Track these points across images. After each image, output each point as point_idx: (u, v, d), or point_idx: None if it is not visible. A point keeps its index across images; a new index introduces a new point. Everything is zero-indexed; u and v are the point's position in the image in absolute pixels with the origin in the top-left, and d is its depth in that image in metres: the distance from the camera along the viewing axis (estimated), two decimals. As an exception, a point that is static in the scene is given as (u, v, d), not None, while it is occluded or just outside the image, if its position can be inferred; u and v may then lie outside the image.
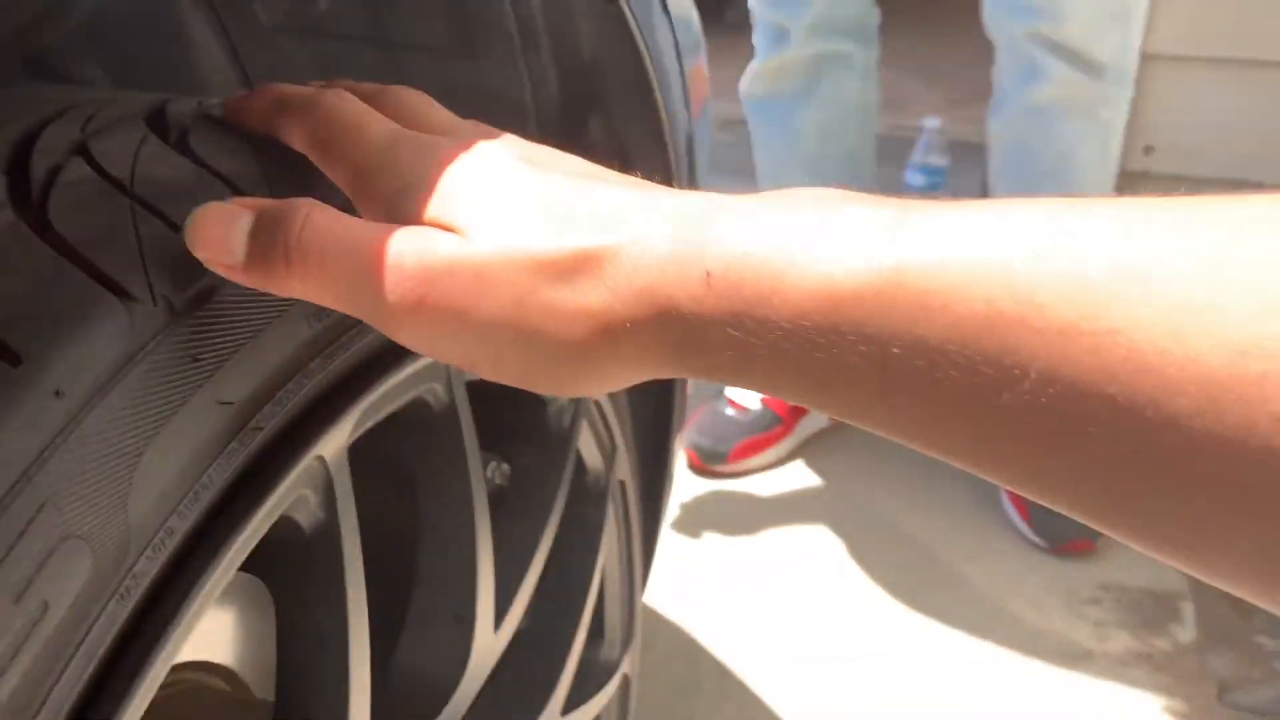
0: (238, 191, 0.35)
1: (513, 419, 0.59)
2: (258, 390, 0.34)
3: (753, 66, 1.42)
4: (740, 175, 1.51)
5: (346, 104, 0.36)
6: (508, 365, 0.32)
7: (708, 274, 0.29)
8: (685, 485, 1.45)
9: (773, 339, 0.28)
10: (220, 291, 0.33)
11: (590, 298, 0.30)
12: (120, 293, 0.31)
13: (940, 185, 1.86)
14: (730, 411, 1.47)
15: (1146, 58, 1.81)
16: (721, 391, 1.50)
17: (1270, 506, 0.22)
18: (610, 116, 0.69)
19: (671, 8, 0.67)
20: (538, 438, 0.60)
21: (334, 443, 0.38)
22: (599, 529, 0.66)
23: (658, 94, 0.65)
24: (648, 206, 0.31)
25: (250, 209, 0.32)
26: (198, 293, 0.32)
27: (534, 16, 0.65)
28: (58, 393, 0.29)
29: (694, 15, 0.80)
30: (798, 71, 1.39)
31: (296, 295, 0.32)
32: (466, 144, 0.34)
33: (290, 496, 0.37)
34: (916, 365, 0.26)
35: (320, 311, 0.37)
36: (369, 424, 0.41)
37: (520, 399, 0.59)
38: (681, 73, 0.72)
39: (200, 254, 0.32)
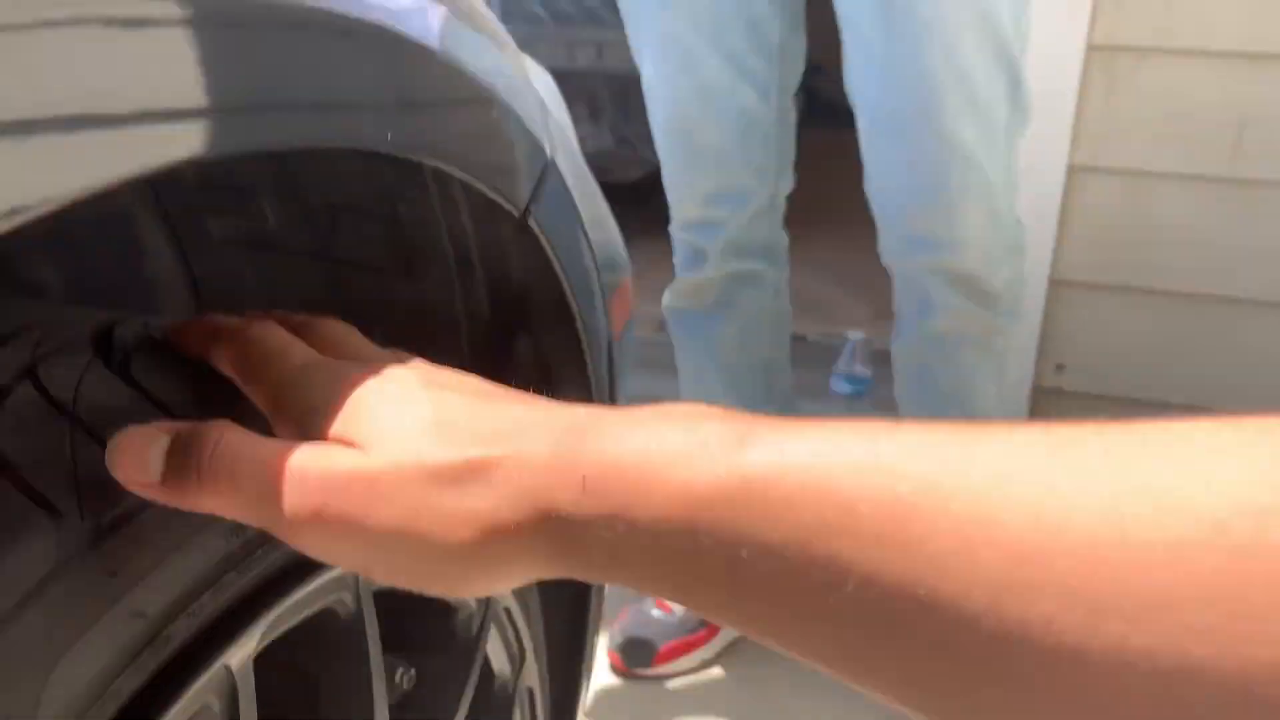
0: (170, 415, 0.39)
1: (420, 625, 0.61)
2: (173, 603, 0.37)
3: (674, 283, 1.51)
4: (669, 371, 1.58)
5: (270, 332, 0.40)
6: (399, 569, 0.34)
7: (584, 479, 0.32)
8: (607, 687, 1.44)
9: (641, 541, 0.31)
10: (146, 510, 0.36)
11: (478, 503, 0.33)
12: (50, 509, 0.34)
13: (863, 394, 1.94)
14: (656, 612, 1.48)
15: (1055, 283, 1.94)
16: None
17: (1047, 697, 0.25)
18: (535, 336, 0.74)
19: (592, 234, 0.73)
20: (444, 644, 0.61)
21: (241, 652, 0.40)
22: (504, 736, 0.67)
23: (577, 316, 0.71)
24: (535, 420, 0.34)
25: (167, 431, 0.35)
26: (124, 510, 0.35)
27: (467, 240, 0.70)
28: (-18, 606, 0.31)
29: (618, 239, 0.86)
30: (714, 288, 1.48)
31: (207, 510, 0.35)
32: (373, 368, 0.37)
33: (195, 705, 0.39)
34: (760, 569, 0.29)
35: (239, 527, 0.40)
36: (277, 633, 0.43)
37: (428, 606, 0.61)
38: (603, 294, 0.77)
39: (118, 474, 0.34)
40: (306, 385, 0.37)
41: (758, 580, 0.29)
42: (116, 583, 0.34)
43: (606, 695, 1.42)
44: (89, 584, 0.34)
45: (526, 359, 0.77)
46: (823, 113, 1.46)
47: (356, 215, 0.71)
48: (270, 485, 0.33)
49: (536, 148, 0.59)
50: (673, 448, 0.31)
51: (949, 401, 1.36)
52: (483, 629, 0.62)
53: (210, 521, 0.39)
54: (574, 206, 0.65)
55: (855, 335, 1.97)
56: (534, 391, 0.39)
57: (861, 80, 1.26)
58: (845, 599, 0.28)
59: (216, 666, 0.39)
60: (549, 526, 0.32)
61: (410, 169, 0.64)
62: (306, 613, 0.45)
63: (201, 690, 0.38)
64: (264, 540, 0.41)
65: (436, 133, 0.51)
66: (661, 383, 1.48)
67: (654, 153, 1.46)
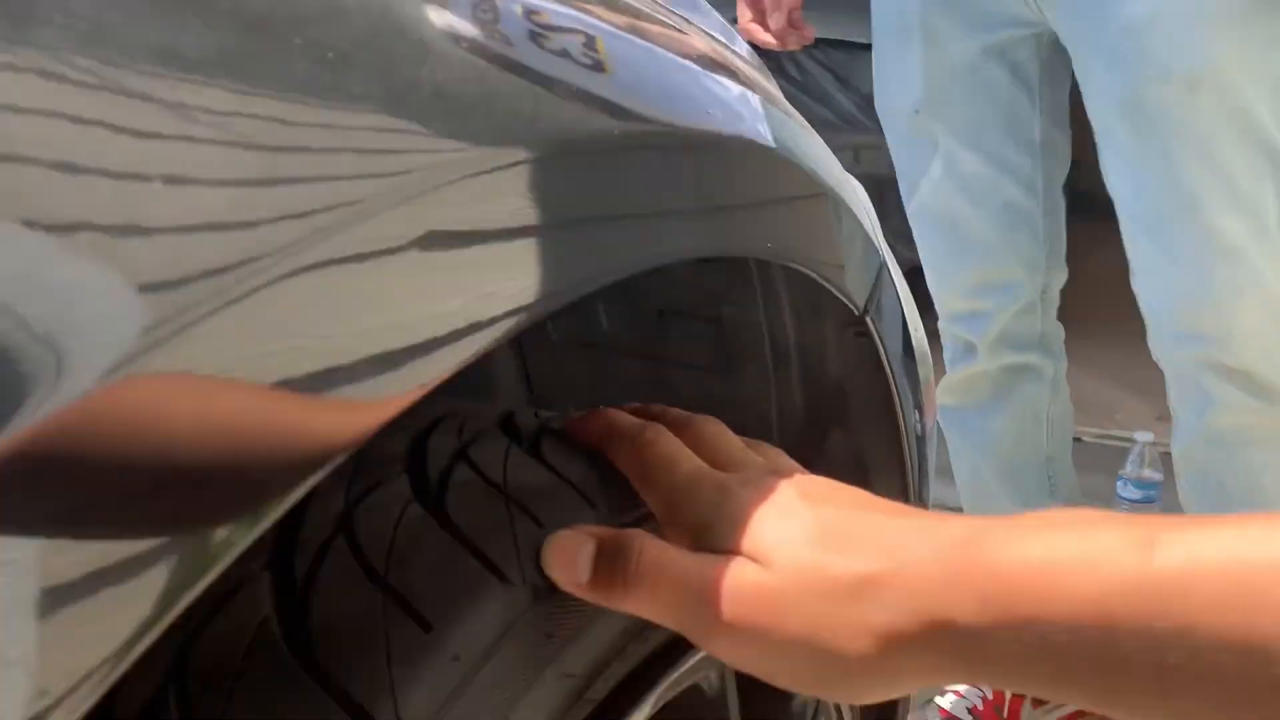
0: (584, 496, 0.43)
1: (761, 709, 0.62)
2: (593, 666, 0.40)
3: (944, 379, 1.48)
4: (942, 475, 1.54)
5: (661, 440, 0.43)
6: (803, 676, 0.37)
7: (981, 595, 0.33)
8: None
9: (1052, 650, 0.32)
10: (571, 579, 0.40)
11: (874, 616, 0.35)
12: (502, 577, 0.38)
13: (1155, 500, 1.82)
14: (938, 723, 1.43)
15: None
16: (931, 700, 1.46)
17: None
18: (851, 431, 0.76)
19: (913, 341, 0.74)
20: (782, 729, 0.63)
21: (639, 718, 0.43)
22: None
23: (900, 414, 0.72)
24: (918, 532, 0.36)
25: (593, 538, 0.39)
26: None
27: (788, 341, 0.73)
28: (456, 657, 0.35)
29: (925, 345, 0.87)
30: (987, 382, 1.44)
31: (627, 611, 0.38)
32: (755, 484, 0.40)
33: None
34: (1189, 669, 0.29)
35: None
36: (662, 703, 0.46)
37: (768, 691, 0.62)
38: (917, 393, 0.78)
39: (553, 573, 0.39)
40: (697, 500, 0.40)
41: (1186, 679, 0.30)
42: (553, 644, 0.38)
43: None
44: (532, 645, 0.37)
45: (839, 453, 0.79)
46: (1081, 204, 1.43)
47: (684, 316, 0.76)
48: (686, 597, 0.37)
49: (872, 246, 0.61)
50: (1075, 554, 0.32)
51: (1238, 505, 1.26)
52: (816, 716, 0.62)
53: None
54: (901, 304, 0.67)
55: (1144, 437, 1.87)
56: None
57: (1117, 180, 1.24)
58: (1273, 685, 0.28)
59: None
60: (947, 638, 0.34)
61: (740, 271, 0.68)
62: (682, 686, 0.48)
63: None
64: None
65: (790, 234, 0.54)
66: (936, 487, 1.45)
67: (911, 250, 1.46)
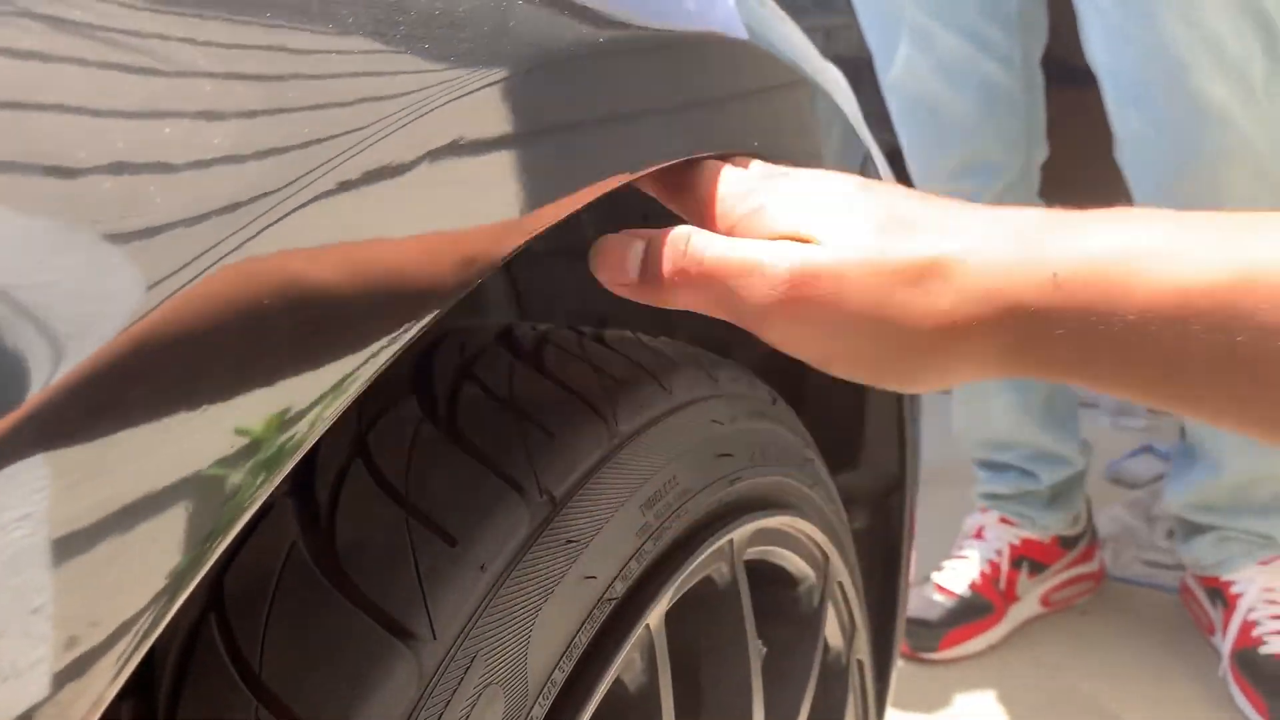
0: (590, 405, 0.43)
1: (768, 599, 0.64)
2: (612, 567, 0.41)
3: None
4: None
5: (703, 162, 0.41)
6: (863, 359, 0.36)
7: (1054, 275, 0.33)
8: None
9: (1119, 336, 0.32)
10: (585, 486, 0.41)
11: (940, 300, 0.34)
12: (519, 489, 0.39)
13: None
14: (938, 597, 1.48)
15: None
16: (928, 578, 1.50)
17: None
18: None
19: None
20: (790, 615, 0.65)
21: (657, 612, 0.45)
22: (842, 706, 0.70)
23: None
24: (986, 217, 0.35)
25: (642, 237, 0.38)
26: (570, 487, 0.40)
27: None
28: (482, 567, 0.36)
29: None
30: None
31: (680, 305, 0.38)
32: (807, 174, 0.39)
33: (628, 660, 0.43)
34: (1259, 349, 0.30)
35: (650, 501, 0.44)
36: (677, 597, 0.48)
37: (774, 580, 0.64)
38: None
39: (602, 275, 0.38)
40: (744, 190, 0.39)
41: (1253, 359, 0.30)
42: (571, 549, 0.39)
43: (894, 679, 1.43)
44: (552, 550, 0.39)
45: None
46: (1059, 73, 1.42)
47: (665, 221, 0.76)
48: (741, 280, 0.36)
49: (855, 136, 0.61)
50: (1155, 244, 0.32)
51: None
52: (823, 601, 0.65)
53: (631, 494, 0.43)
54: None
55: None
56: None
57: (1100, 50, 1.22)
58: None
59: (641, 626, 0.43)
60: (1012, 322, 0.33)
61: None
62: (697, 578, 0.49)
63: (633, 647, 0.43)
64: (669, 512, 0.45)
65: (773, 129, 0.54)
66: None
67: (890, 132, 1.45)
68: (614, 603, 0.41)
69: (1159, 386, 0.33)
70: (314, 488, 0.38)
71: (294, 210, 0.25)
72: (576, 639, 0.39)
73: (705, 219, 0.40)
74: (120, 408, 0.21)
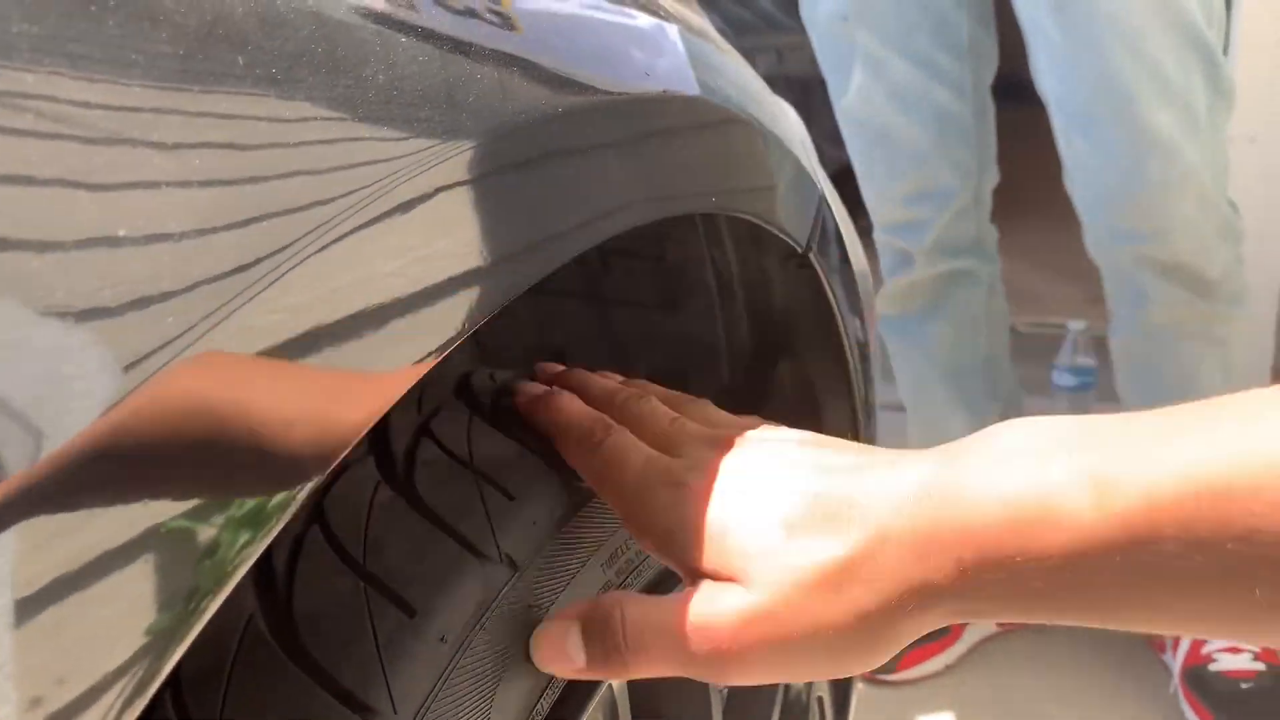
0: (548, 463, 0.43)
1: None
2: (573, 630, 0.41)
3: (883, 289, 1.51)
4: (885, 377, 1.58)
5: (607, 440, 0.42)
6: (821, 667, 0.38)
7: (957, 559, 0.34)
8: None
9: (1036, 594, 0.33)
10: (545, 548, 0.41)
11: (862, 602, 0.36)
12: (478, 554, 0.39)
13: (1091, 385, 1.88)
14: (894, 617, 1.48)
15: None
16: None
17: None
18: (799, 357, 0.77)
19: (853, 262, 0.76)
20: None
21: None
22: (803, 742, 0.70)
23: (845, 337, 0.73)
24: (882, 493, 0.36)
25: (574, 621, 0.39)
26: (530, 550, 0.40)
27: (731, 274, 0.74)
28: (443, 638, 0.36)
29: (864, 260, 0.89)
30: (925, 290, 1.47)
31: (636, 676, 0.39)
32: (704, 473, 0.40)
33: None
34: (1167, 592, 0.31)
35: (610, 559, 0.44)
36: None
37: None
38: (860, 312, 0.80)
39: (549, 668, 0.39)
40: (652, 503, 0.40)
41: (1169, 599, 0.32)
42: (535, 613, 0.39)
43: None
44: (515, 616, 0.38)
45: (788, 379, 0.80)
46: (1010, 92, 1.45)
47: (627, 257, 0.76)
48: (684, 647, 0.37)
49: (811, 182, 0.61)
50: (1035, 508, 0.33)
51: (1174, 395, 1.31)
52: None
53: (592, 554, 0.43)
54: (841, 234, 0.68)
55: (1076, 325, 1.91)
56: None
57: (1048, 79, 1.25)
58: (1263, 576, 0.30)
59: (603, 686, 0.43)
60: (937, 599, 0.35)
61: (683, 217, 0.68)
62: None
63: (595, 708, 0.43)
64: (630, 570, 0.45)
65: (725, 179, 0.54)
66: (881, 389, 1.48)
67: (840, 150, 1.47)
68: (575, 665, 0.41)
69: (1102, 623, 0.34)
70: (272, 558, 0.38)
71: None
72: (539, 706, 0.39)
73: (624, 519, 0.41)
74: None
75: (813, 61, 1.49)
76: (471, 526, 0.39)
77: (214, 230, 0.24)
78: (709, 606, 0.37)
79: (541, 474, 0.43)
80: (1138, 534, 0.31)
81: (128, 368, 0.22)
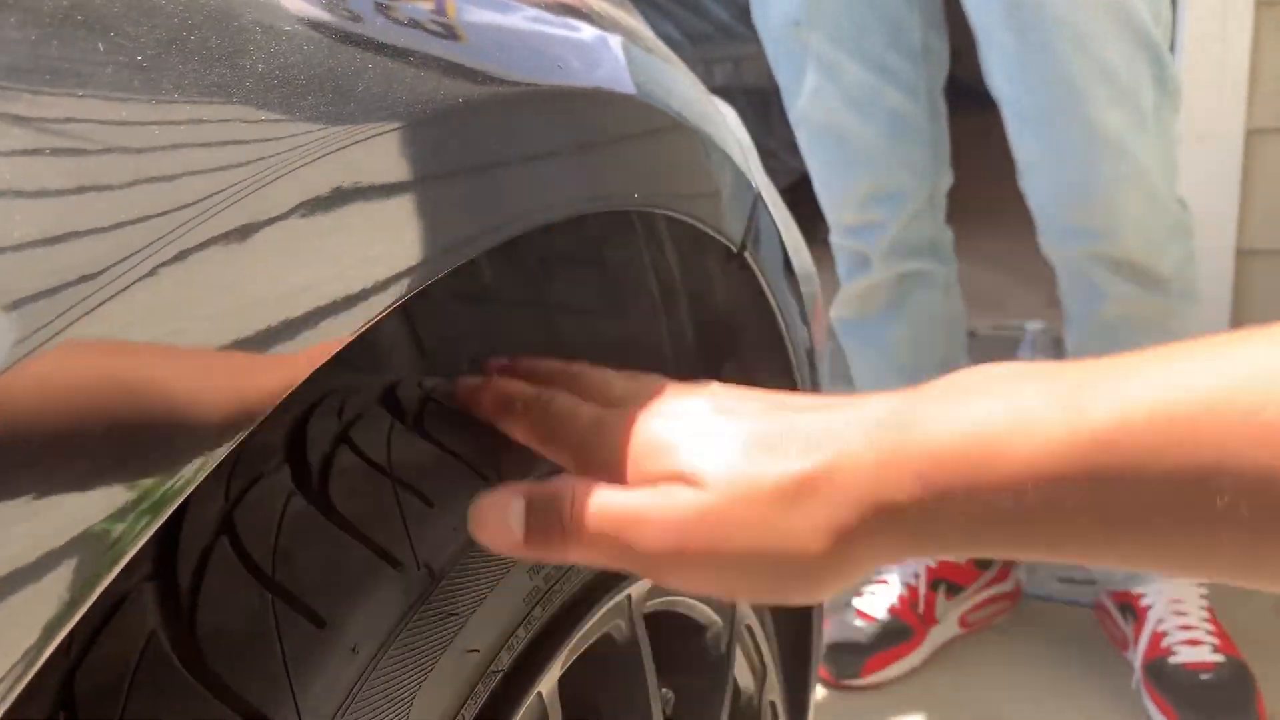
0: (475, 470, 0.42)
1: (674, 645, 0.63)
2: (496, 638, 0.40)
3: (840, 292, 1.51)
4: (842, 380, 1.58)
5: (557, 398, 0.42)
6: (760, 587, 0.36)
7: (918, 474, 0.33)
8: (817, 700, 1.44)
9: (998, 514, 0.32)
10: (465, 555, 0.40)
11: (817, 515, 0.34)
12: (394, 563, 0.37)
13: (1048, 386, 1.89)
14: (859, 622, 1.48)
15: (1242, 253, 1.86)
16: (849, 603, 1.51)
17: None
18: (744, 361, 0.77)
19: (795, 265, 0.75)
20: (698, 663, 0.64)
21: (550, 679, 0.43)
22: (756, 750, 0.69)
23: (787, 339, 0.73)
24: (843, 422, 0.36)
25: (520, 494, 0.38)
26: (450, 558, 0.39)
27: (673, 278, 0.73)
28: (354, 649, 0.35)
29: (807, 252, 0.88)
30: (882, 292, 1.47)
31: (571, 562, 0.37)
32: (663, 413, 0.39)
33: (517, 730, 0.42)
34: (1132, 510, 0.30)
35: (537, 564, 0.43)
36: (570, 660, 0.46)
37: (680, 626, 0.63)
38: (804, 314, 0.79)
39: (483, 538, 0.38)
40: (609, 438, 0.39)
41: (1131, 521, 0.31)
42: (454, 622, 0.38)
43: (817, 708, 1.43)
44: (432, 626, 0.37)
45: (734, 383, 0.79)
46: (964, 98, 1.46)
47: (568, 262, 0.75)
48: (629, 533, 0.36)
49: (746, 183, 0.61)
50: (1005, 420, 0.32)
51: None
52: (730, 647, 0.64)
53: (512, 562, 0.42)
54: (779, 234, 0.67)
55: (1034, 325, 1.93)
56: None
57: (1000, 79, 1.25)
58: (1225, 509, 0.29)
59: (532, 694, 0.42)
60: (893, 521, 0.34)
61: (619, 216, 0.67)
62: (593, 639, 0.48)
63: (521, 717, 0.42)
64: (558, 576, 0.44)
65: (661, 183, 0.53)
66: (839, 392, 1.47)
67: (798, 160, 1.47)
68: (499, 675, 0.40)
69: (1055, 553, 0.33)
70: (176, 572, 0.37)
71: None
72: (460, 716, 0.38)
73: (580, 472, 0.40)
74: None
75: (769, 74, 1.49)
76: (387, 534, 0.38)
77: (95, 221, 0.23)
78: (661, 499, 0.36)
79: (465, 479, 0.42)
80: (1110, 451, 0.30)
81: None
